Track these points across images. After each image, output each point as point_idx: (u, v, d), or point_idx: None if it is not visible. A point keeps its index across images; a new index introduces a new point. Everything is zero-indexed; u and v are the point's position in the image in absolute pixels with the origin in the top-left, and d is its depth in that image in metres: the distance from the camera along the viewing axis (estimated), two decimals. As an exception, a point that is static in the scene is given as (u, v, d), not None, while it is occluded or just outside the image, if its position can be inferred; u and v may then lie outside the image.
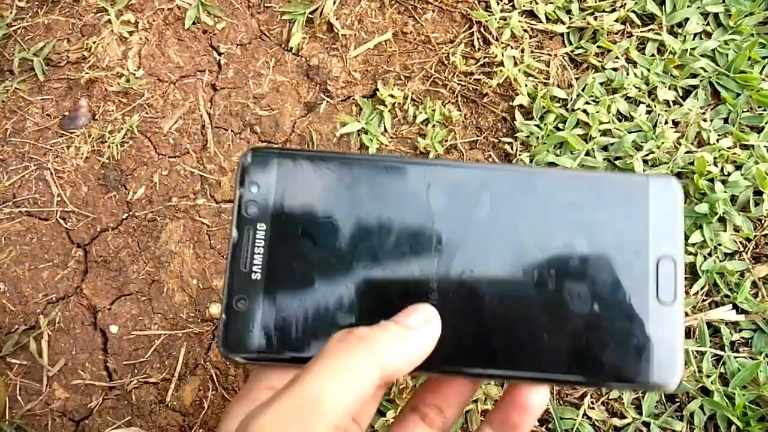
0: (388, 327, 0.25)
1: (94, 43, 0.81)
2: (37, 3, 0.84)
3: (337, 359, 0.23)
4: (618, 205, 0.28)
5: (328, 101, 0.77)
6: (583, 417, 0.62)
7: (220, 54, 0.81)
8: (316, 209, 0.27)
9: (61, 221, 0.77)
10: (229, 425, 0.24)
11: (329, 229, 0.27)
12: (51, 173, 0.78)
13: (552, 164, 0.68)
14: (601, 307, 0.27)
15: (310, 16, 0.79)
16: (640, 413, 0.61)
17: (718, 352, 0.62)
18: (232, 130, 0.78)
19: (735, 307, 0.64)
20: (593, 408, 0.62)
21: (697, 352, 0.62)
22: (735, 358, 0.62)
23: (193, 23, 0.82)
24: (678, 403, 0.62)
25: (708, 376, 0.61)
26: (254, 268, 0.27)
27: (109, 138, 0.78)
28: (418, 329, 0.25)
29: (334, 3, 0.78)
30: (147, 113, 0.79)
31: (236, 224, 0.27)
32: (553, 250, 0.28)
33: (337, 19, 0.79)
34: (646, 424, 0.61)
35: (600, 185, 0.28)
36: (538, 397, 0.27)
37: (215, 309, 0.72)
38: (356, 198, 0.28)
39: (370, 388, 0.23)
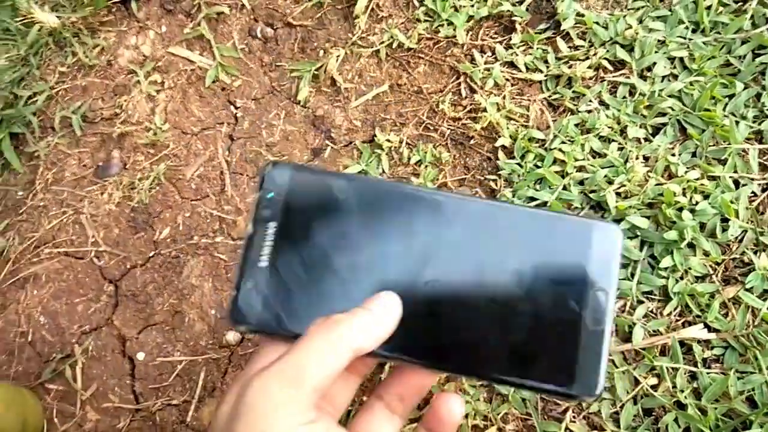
0: (357, 313, 0.31)
1: (125, 101, 0.91)
2: (76, 68, 0.95)
3: (317, 340, 0.29)
4: (566, 242, 0.33)
5: (332, 147, 0.86)
6: (565, 431, 0.66)
7: (236, 108, 0.91)
8: (316, 216, 0.33)
9: (95, 260, 0.85)
10: (231, 395, 0.30)
11: (325, 232, 0.33)
12: (86, 217, 0.87)
13: (531, 199, 0.75)
14: (540, 325, 0.32)
15: (315, 72, 0.88)
16: (619, 426, 0.66)
17: (692, 368, 0.67)
18: (247, 175, 0.87)
19: (706, 326, 0.68)
20: (575, 422, 0.67)
21: (671, 368, 0.67)
22: (707, 373, 0.67)
23: (213, 81, 0.92)
24: (654, 417, 0.66)
25: (682, 391, 0.66)
26: (261, 257, 0.33)
27: (138, 185, 0.87)
28: (381, 312, 0.31)
29: (337, 60, 0.87)
30: (172, 162, 0.88)
31: (252, 221, 0.34)
32: (506, 272, 0.33)
33: (339, 74, 0.88)
34: (624, 436, 0.66)
35: (553, 222, 0.33)
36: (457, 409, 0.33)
37: (231, 336, 0.79)
38: (350, 209, 0.33)
39: (343, 363, 0.29)
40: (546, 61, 0.82)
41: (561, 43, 0.82)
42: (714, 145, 0.75)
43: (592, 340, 0.32)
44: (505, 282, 0.33)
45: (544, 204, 0.75)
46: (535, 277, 0.33)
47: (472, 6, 0.85)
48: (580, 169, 0.76)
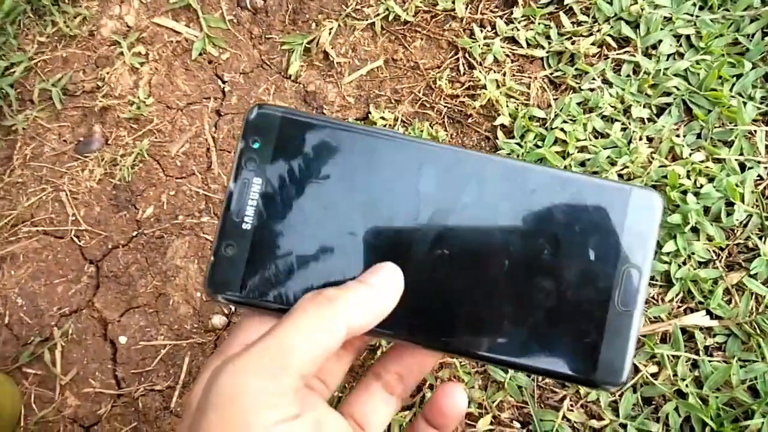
0: (353, 288, 0.27)
1: (107, 73, 0.87)
2: (56, 38, 0.90)
3: (307, 317, 0.25)
4: (598, 209, 0.29)
5: (323, 124, 0.82)
6: (562, 419, 0.64)
7: (224, 82, 0.87)
8: (309, 170, 0.29)
9: (75, 239, 0.82)
10: (205, 377, 0.26)
11: (319, 190, 0.29)
12: (66, 194, 0.83)
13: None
14: (563, 302, 0.29)
15: (307, 46, 0.85)
16: (617, 415, 0.64)
17: (693, 356, 0.65)
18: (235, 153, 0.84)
19: (709, 313, 0.66)
20: (572, 410, 0.65)
21: (672, 356, 0.65)
22: (709, 361, 0.65)
23: (200, 54, 0.88)
24: (654, 405, 0.64)
25: (683, 380, 0.64)
26: (245, 218, 0.29)
27: (120, 161, 0.83)
28: (381, 287, 0.28)
29: (330, 33, 0.84)
30: (156, 138, 0.85)
31: (234, 176, 0.29)
32: (527, 242, 0.29)
33: (332, 48, 0.84)
34: (623, 426, 0.64)
35: (584, 188, 0.29)
36: (460, 402, 0.30)
37: (217, 320, 0.76)
38: (349, 164, 0.29)
39: (336, 343, 0.25)
40: (548, 37, 0.79)
41: (564, 19, 0.78)
42: (720, 127, 0.73)
43: (620, 323, 0.29)
44: (525, 254, 0.29)
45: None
46: (560, 249, 0.29)
47: (472, -22, 0.82)
48: (582, 149, 0.73)
